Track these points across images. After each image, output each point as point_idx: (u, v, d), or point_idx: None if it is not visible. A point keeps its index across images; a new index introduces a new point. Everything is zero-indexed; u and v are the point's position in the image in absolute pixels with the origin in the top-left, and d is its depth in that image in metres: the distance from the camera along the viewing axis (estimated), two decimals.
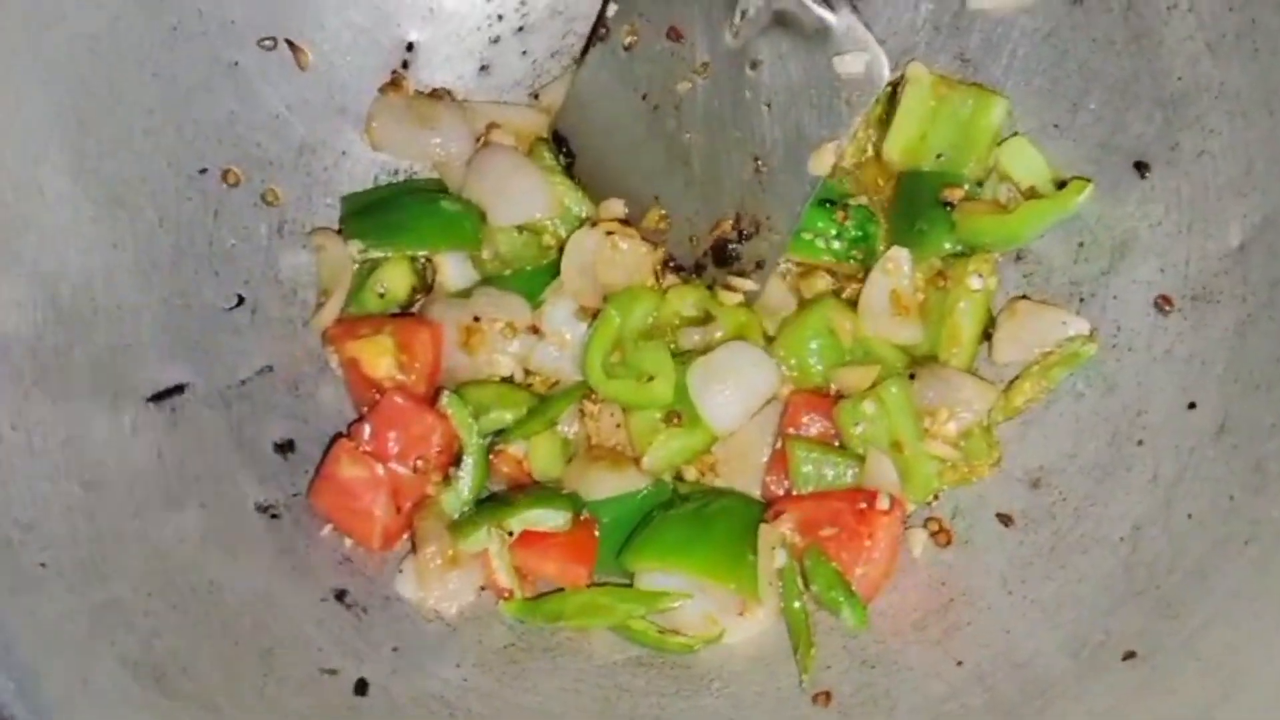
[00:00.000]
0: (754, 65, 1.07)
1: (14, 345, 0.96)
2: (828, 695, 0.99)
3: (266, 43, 1.14)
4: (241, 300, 1.12)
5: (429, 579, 1.07)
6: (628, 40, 1.11)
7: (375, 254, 1.15)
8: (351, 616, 1.04)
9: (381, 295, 1.16)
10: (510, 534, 1.07)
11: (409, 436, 1.08)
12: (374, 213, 1.17)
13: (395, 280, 1.16)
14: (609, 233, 1.13)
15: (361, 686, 0.99)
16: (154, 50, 1.06)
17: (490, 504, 1.10)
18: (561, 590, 1.08)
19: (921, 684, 0.97)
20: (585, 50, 1.15)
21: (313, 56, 1.16)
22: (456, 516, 1.09)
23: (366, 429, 1.09)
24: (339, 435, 1.11)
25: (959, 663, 0.97)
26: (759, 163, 1.09)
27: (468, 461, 1.09)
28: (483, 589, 1.09)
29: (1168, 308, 1.03)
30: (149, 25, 1.05)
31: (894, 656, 1.00)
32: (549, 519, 1.07)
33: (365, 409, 1.11)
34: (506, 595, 1.08)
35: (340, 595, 1.05)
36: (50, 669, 0.87)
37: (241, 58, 1.12)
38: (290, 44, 1.15)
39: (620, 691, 1.02)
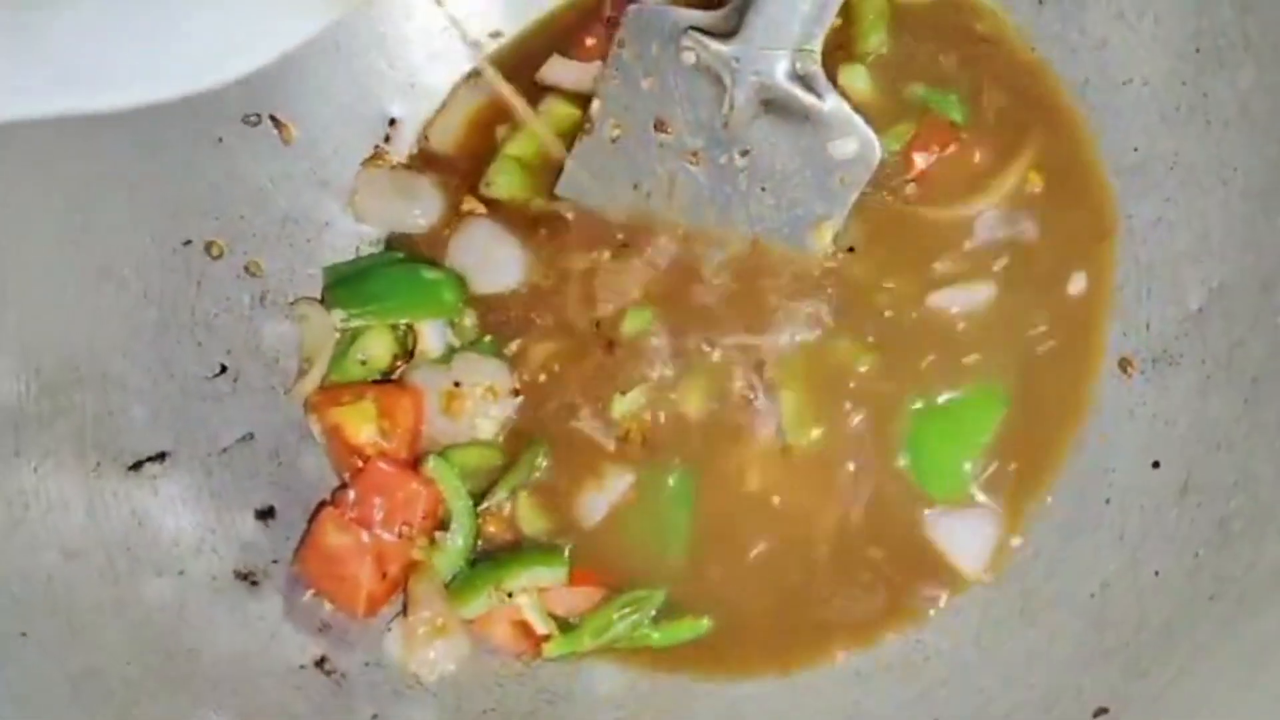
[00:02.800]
0: (744, 153, 1.09)
1: None
2: None
3: (251, 119, 1.16)
4: (224, 369, 1.13)
5: (415, 644, 1.07)
6: (614, 134, 1.14)
7: (357, 323, 1.17)
8: (331, 684, 1.05)
9: (363, 363, 1.17)
10: (509, 595, 1.08)
11: (394, 502, 1.10)
12: (355, 282, 1.19)
13: (377, 348, 1.17)
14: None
15: None
16: (141, 127, 1.08)
17: (484, 565, 1.11)
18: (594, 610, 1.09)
19: None
20: (572, 142, 1.17)
21: (296, 131, 1.19)
22: (449, 579, 1.10)
23: (351, 495, 1.10)
24: (323, 503, 1.12)
25: None
26: (756, 244, 1.12)
27: (457, 524, 1.10)
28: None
29: (1130, 369, 1.06)
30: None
31: (871, 714, 1.01)
32: (547, 576, 1.09)
33: (348, 476, 1.12)
34: (534, 648, 1.09)
35: (320, 662, 1.06)
36: None
37: (226, 133, 1.15)
38: (274, 120, 1.18)
39: None
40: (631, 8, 1.12)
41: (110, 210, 1.07)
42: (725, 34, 1.06)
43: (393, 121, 1.24)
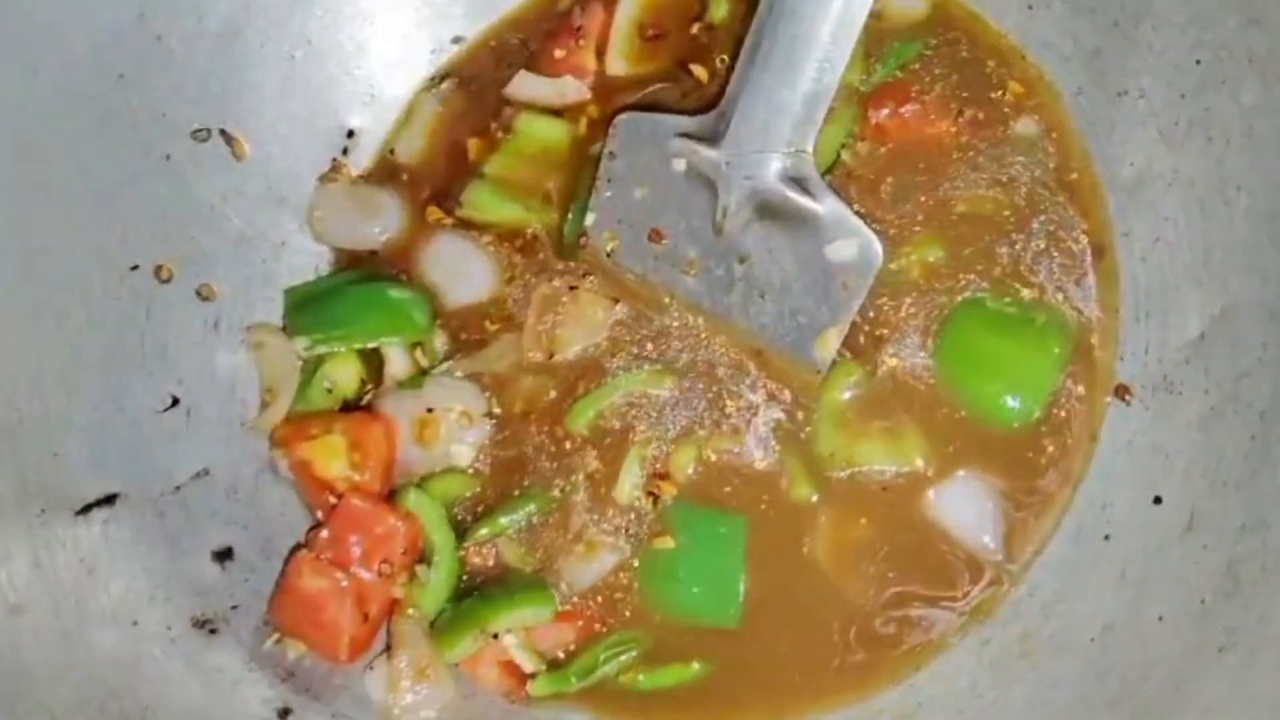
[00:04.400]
0: (742, 260, 1.05)
1: None
2: None
3: (201, 134, 1.10)
4: (176, 401, 1.08)
5: (398, 686, 1.04)
6: (609, 247, 1.10)
7: (322, 350, 1.12)
8: None
9: (329, 391, 1.12)
10: (495, 636, 1.05)
11: (371, 539, 1.05)
12: (318, 306, 1.14)
13: (343, 375, 1.13)
14: (571, 287, 1.12)
15: None
16: (82, 145, 1.02)
17: (470, 602, 1.07)
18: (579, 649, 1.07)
19: None
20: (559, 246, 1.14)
21: (249, 147, 1.13)
22: (434, 618, 1.06)
23: (325, 535, 1.05)
24: (298, 546, 1.07)
25: None
26: (761, 354, 1.08)
27: (439, 558, 1.06)
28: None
29: (1128, 397, 1.02)
30: (76, 120, 1.02)
31: None
32: (533, 616, 1.05)
33: (321, 513, 1.07)
34: (520, 687, 1.06)
35: (284, 714, 1.01)
36: None
37: (174, 150, 1.09)
38: (225, 134, 1.12)
39: None
40: (620, 117, 1.09)
41: (50, 234, 1.01)
42: (715, 138, 1.03)
43: (351, 133, 1.19)
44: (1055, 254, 1.07)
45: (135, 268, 1.07)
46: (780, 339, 1.06)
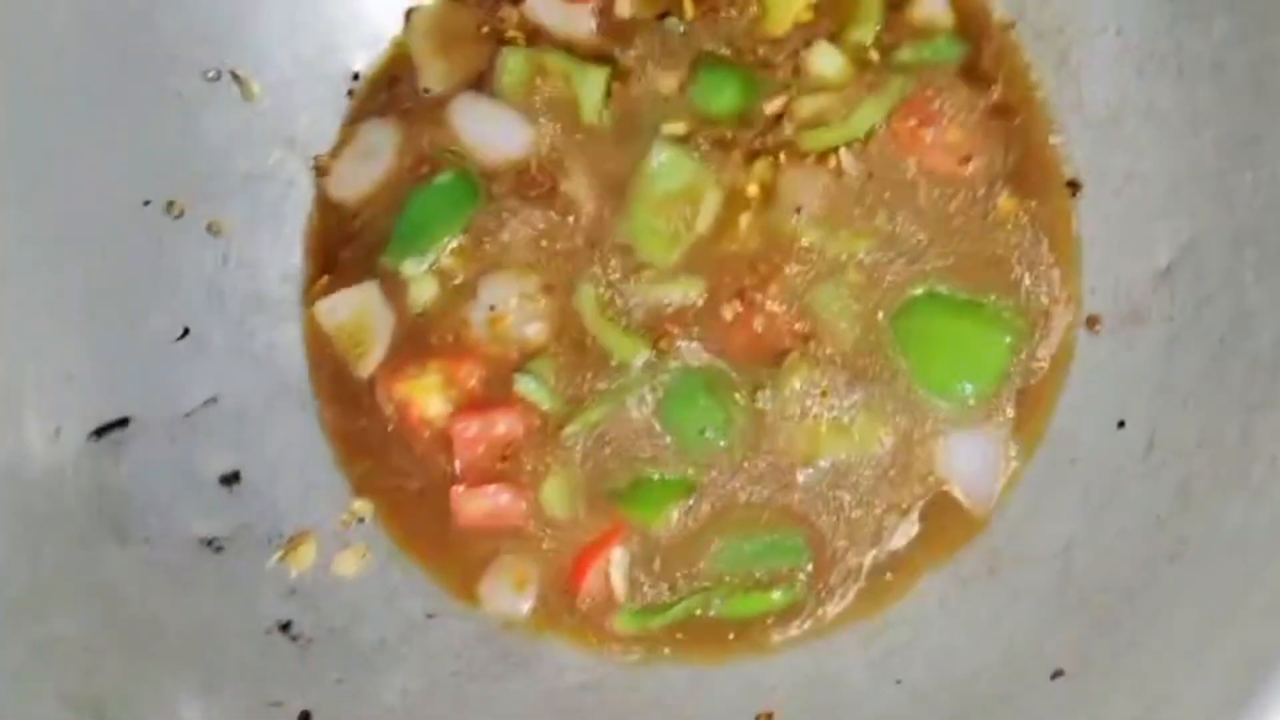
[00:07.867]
0: None
1: None
2: (769, 716, 0.99)
3: (210, 74, 1.14)
4: (187, 332, 1.12)
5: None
6: None
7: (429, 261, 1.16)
8: (296, 648, 1.04)
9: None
10: None
11: (492, 442, 1.12)
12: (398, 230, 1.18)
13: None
14: None
15: (305, 717, 0.99)
16: (98, 83, 1.06)
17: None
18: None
19: (862, 703, 0.97)
20: None
21: (258, 87, 1.17)
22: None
23: (458, 466, 1.12)
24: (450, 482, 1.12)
25: (898, 681, 0.98)
26: None
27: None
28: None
29: (1098, 327, 1.04)
30: (93, 58, 1.05)
31: (836, 677, 1.01)
32: None
33: (456, 465, 1.13)
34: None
35: (285, 627, 1.05)
36: None
37: (185, 89, 1.12)
38: (235, 75, 1.15)
39: (565, 716, 1.03)
40: None
41: (69, 169, 1.04)
42: None
43: (356, 76, 1.22)
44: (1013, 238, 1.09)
45: (148, 203, 1.10)
46: None
